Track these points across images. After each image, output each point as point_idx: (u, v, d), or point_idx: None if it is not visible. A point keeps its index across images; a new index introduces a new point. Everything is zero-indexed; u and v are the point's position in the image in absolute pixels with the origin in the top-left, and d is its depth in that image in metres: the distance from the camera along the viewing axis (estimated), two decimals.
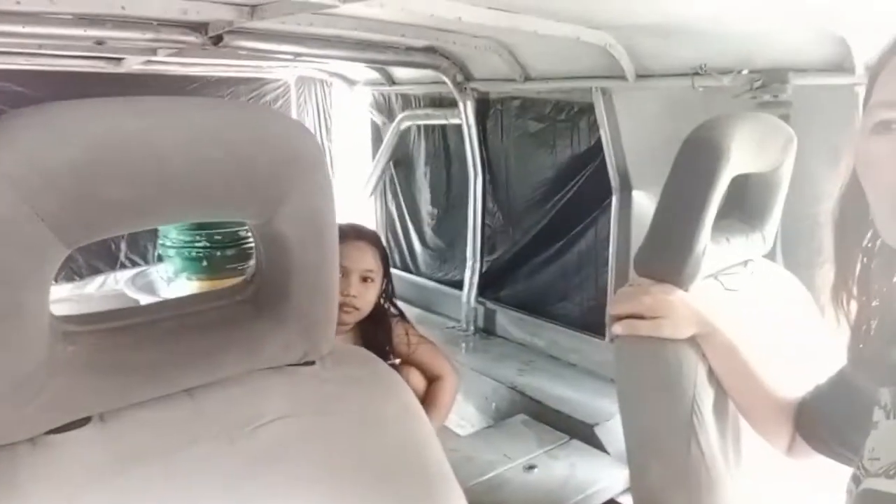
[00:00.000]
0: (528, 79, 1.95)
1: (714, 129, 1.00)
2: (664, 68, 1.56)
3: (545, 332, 2.18)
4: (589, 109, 1.86)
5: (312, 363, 0.67)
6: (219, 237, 2.47)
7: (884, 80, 0.62)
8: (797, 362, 1.05)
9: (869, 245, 0.70)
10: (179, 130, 0.49)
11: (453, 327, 2.49)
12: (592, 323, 2.02)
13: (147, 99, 0.50)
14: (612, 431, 1.68)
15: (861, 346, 0.71)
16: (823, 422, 0.86)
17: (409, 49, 2.03)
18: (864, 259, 0.70)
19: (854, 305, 0.71)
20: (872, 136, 0.62)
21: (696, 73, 1.48)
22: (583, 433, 1.68)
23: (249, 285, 0.65)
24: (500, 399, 1.94)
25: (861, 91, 1.24)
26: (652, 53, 1.55)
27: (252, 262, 2.50)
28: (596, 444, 1.65)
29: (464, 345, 2.35)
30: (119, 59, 2.14)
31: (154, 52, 1.83)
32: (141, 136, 0.47)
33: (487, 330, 2.42)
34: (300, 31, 1.72)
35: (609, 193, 1.88)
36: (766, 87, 1.35)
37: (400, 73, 2.45)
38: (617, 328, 0.98)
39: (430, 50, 2.06)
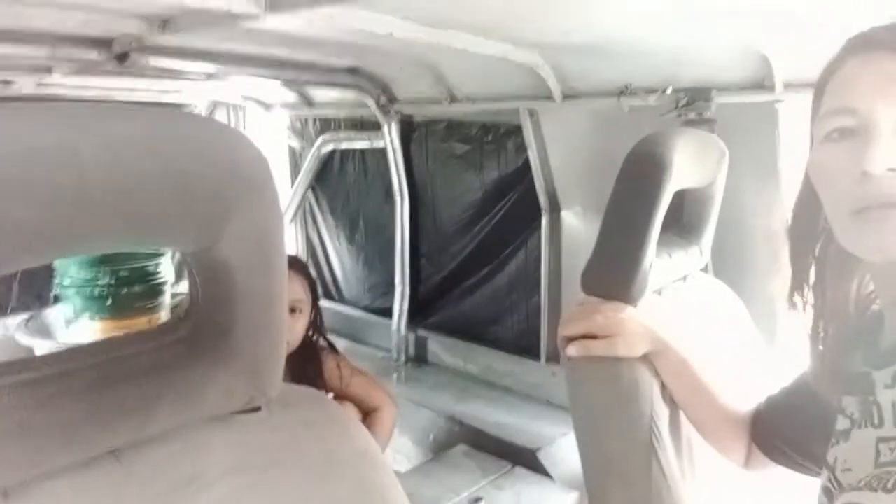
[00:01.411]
0: (454, 100, 1.93)
1: (656, 144, 1.00)
2: (591, 88, 1.57)
3: (479, 358, 2.13)
4: (516, 130, 1.86)
5: (258, 409, 0.59)
6: (125, 273, 2.28)
7: (832, 90, 0.63)
8: (737, 374, 1.06)
9: (822, 252, 0.70)
10: (102, 140, 0.41)
11: (384, 357, 2.40)
12: (526, 345, 2.00)
13: (63, 105, 0.42)
14: (555, 455, 1.65)
15: (820, 354, 0.71)
16: (781, 432, 0.86)
17: (332, 69, 1.96)
18: (819, 266, 0.70)
19: (810, 312, 0.71)
20: (825, 145, 0.63)
21: (623, 93, 1.51)
22: (526, 459, 1.64)
23: (183, 323, 0.56)
24: (438, 430, 1.88)
25: (780, 107, 1.31)
26: (579, 73, 1.56)
27: (161, 299, 2.33)
28: (540, 469, 1.62)
29: (396, 375, 2.27)
30: (7, 82, 1.94)
31: (49, 70, 1.67)
32: (55, 147, 0.39)
33: (419, 358, 2.35)
34: (215, 48, 1.62)
35: (538, 214, 1.88)
36: (691, 105, 1.39)
37: (319, 95, 2.38)
38: (571, 350, 0.95)
39: (353, 71, 2.00)
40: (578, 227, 1.82)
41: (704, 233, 1.19)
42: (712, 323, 1.18)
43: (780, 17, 1.09)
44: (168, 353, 0.54)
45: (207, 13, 1.09)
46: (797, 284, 0.72)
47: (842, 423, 0.70)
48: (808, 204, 0.70)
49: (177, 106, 2.72)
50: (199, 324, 0.54)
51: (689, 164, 1.03)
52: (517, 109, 1.76)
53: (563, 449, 1.66)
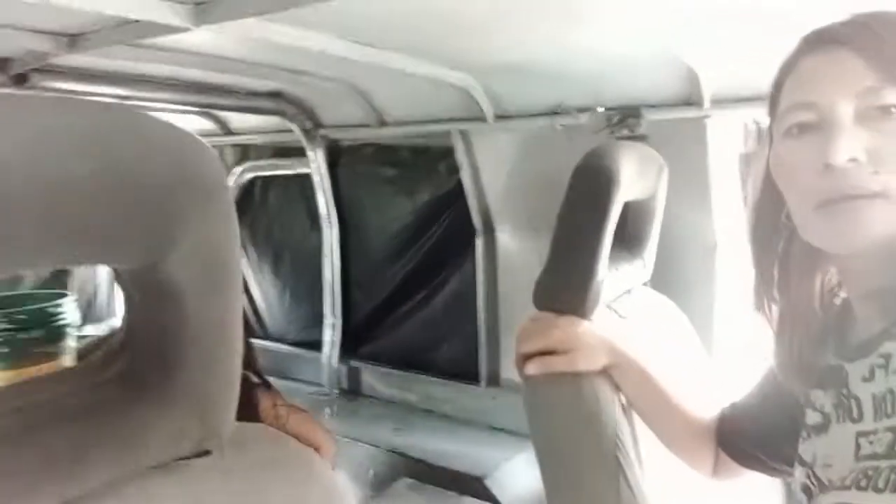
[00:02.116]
0: (383, 124, 1.89)
1: (603, 158, 1.00)
2: (523, 108, 1.58)
3: (416, 386, 2.07)
4: (448, 152, 1.84)
5: (208, 452, 0.51)
6: (22, 316, 2.06)
7: (791, 86, 0.64)
8: (688, 386, 1.06)
9: (785, 250, 0.71)
10: (25, 135, 0.34)
11: (314, 392, 2.29)
12: (465, 370, 1.96)
13: None
14: (503, 481, 1.60)
15: (788, 350, 0.71)
16: (749, 436, 0.85)
17: (253, 94, 1.88)
18: (782, 263, 0.71)
19: (776, 310, 0.72)
20: (786, 141, 0.64)
21: (555, 113, 1.52)
22: (473, 488, 1.58)
23: (116, 359, 0.48)
24: (378, 464, 1.79)
25: (708, 123, 1.35)
26: (511, 94, 1.57)
27: (64, 343, 2.13)
28: (488, 496, 1.57)
29: (328, 410, 2.17)
30: None
31: None
32: None
33: (353, 391, 2.25)
34: (124, 69, 1.51)
35: (472, 236, 1.86)
36: (622, 122, 1.41)
37: (237, 121, 2.28)
38: (530, 368, 0.92)
39: (276, 95, 1.93)
40: (514, 247, 1.81)
41: (647, 246, 1.20)
42: (660, 336, 1.18)
43: (706, 31, 1.13)
44: (101, 393, 0.46)
45: (126, 27, 1.00)
46: (763, 282, 0.72)
47: (812, 418, 0.70)
48: (769, 203, 0.71)
49: None
50: (137, 357, 0.47)
51: (634, 177, 1.04)
52: (449, 131, 1.74)
53: (510, 474, 1.62)
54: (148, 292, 0.44)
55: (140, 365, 0.47)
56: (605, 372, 0.93)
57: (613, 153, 1.00)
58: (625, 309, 1.12)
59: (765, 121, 1.27)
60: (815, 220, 0.61)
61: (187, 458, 0.49)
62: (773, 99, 0.67)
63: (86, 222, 0.37)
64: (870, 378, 0.59)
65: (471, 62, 1.47)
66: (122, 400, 0.46)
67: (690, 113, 1.33)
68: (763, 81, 1.24)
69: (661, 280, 1.28)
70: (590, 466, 0.89)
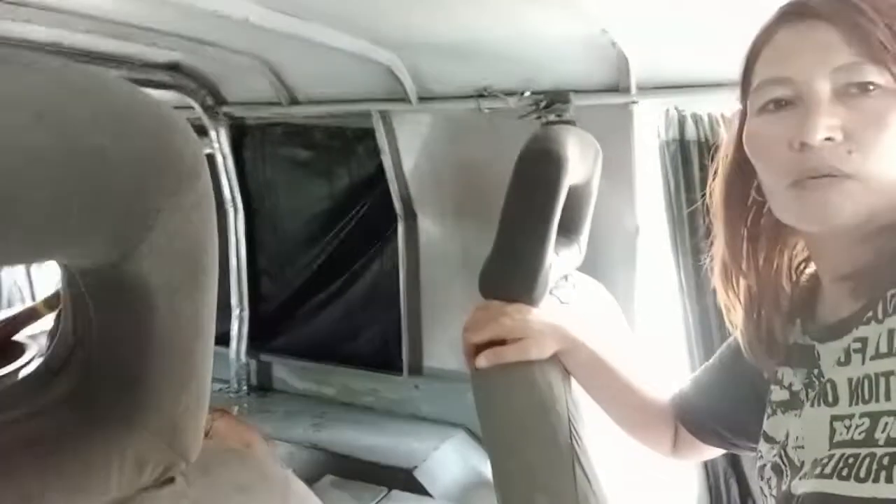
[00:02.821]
0: (295, 102, 1.78)
1: (549, 141, 0.98)
2: (448, 90, 1.53)
3: (334, 378, 1.99)
4: (366, 134, 1.76)
5: (173, 480, 0.44)
6: None
7: (766, 60, 0.63)
8: (633, 365, 1.07)
9: (753, 225, 0.71)
10: None
11: (221, 390, 2.14)
12: (387, 360, 1.90)
13: None
14: (432, 471, 1.58)
15: (756, 325, 0.71)
16: (711, 412, 0.85)
17: (148, 65, 1.71)
18: (750, 238, 0.71)
19: (744, 286, 0.72)
20: (761, 116, 0.63)
21: (481, 95, 1.49)
22: (402, 480, 1.54)
23: (63, 376, 0.39)
24: (299, 463, 1.70)
25: (635, 108, 1.37)
26: (436, 75, 1.52)
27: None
28: (418, 489, 1.53)
29: (237, 408, 2.04)
30: None
31: None
32: None
33: (263, 386, 2.13)
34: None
35: (393, 222, 1.80)
36: (551, 107, 1.41)
37: None
38: (482, 360, 0.89)
39: (173, 67, 1.76)
40: (436, 233, 1.78)
41: (582, 231, 1.20)
42: (599, 319, 1.19)
43: (638, 14, 1.14)
44: (45, 419, 0.37)
45: None
46: (731, 257, 0.72)
47: (779, 394, 0.71)
48: (738, 177, 0.71)
49: None
50: (91, 373, 0.39)
51: (576, 161, 1.03)
52: (369, 112, 1.67)
53: (439, 463, 1.60)
54: (108, 294, 0.36)
55: (95, 382, 0.38)
56: (555, 358, 0.91)
57: (559, 137, 0.99)
58: (565, 294, 1.11)
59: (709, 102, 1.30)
60: (788, 198, 0.61)
61: (149, 488, 0.42)
62: (747, 71, 0.66)
63: (39, 211, 0.29)
64: (846, 362, 0.60)
65: (395, 39, 1.40)
66: (72, 425, 0.38)
67: (618, 99, 1.34)
68: (688, 69, 1.29)
69: (586, 264, 1.29)
70: (546, 458, 0.87)
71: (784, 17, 0.62)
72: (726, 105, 1.36)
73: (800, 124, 0.58)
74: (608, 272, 1.46)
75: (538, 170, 0.95)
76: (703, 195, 1.39)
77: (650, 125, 1.40)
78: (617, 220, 1.48)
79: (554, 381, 0.91)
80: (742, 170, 0.70)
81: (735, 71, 1.21)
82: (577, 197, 1.17)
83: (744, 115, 0.69)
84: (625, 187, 1.44)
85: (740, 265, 0.71)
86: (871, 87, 0.57)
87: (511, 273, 0.96)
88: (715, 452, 0.91)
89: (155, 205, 0.34)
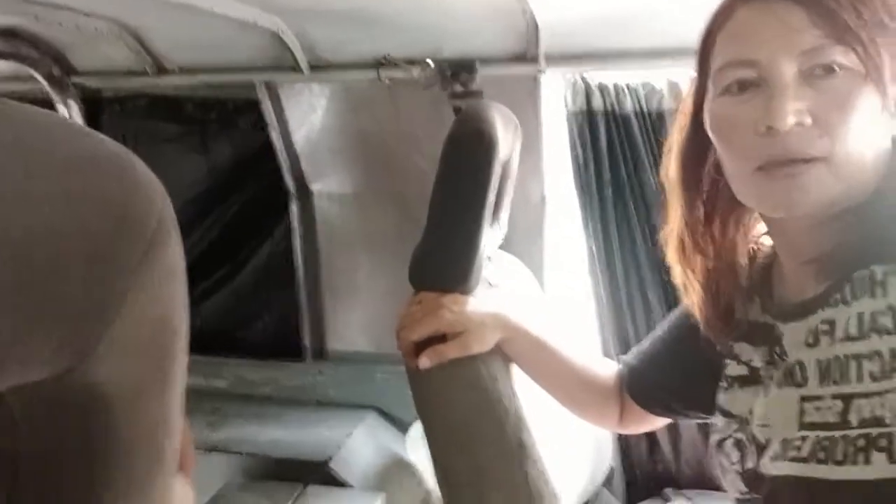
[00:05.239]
0: (162, 72, 1.57)
1: (479, 121, 0.92)
2: (344, 59, 1.42)
3: (227, 370, 1.84)
4: (250, 107, 1.60)
5: None
6: None
7: (727, 39, 0.62)
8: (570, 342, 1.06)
9: (710, 201, 0.71)
10: None
11: None
12: (286, 346, 1.79)
13: None
14: (348, 460, 1.51)
15: (714, 301, 0.72)
16: (661, 383, 0.86)
17: None
18: (708, 215, 0.71)
19: (701, 262, 0.72)
20: (725, 98, 0.62)
21: (381, 64, 1.39)
22: (317, 474, 1.47)
23: None
24: (196, 469, 1.56)
25: (542, 78, 1.34)
26: (329, 42, 1.39)
27: None
28: (335, 480, 1.46)
29: None
30: None
31: None
32: None
33: None
34: None
35: (286, 201, 1.67)
36: (456, 77, 1.34)
37: None
38: (424, 361, 0.84)
39: (9, 34, 1.48)
40: (334, 211, 1.67)
41: (503, 209, 1.17)
42: (528, 300, 1.17)
43: None
44: None
45: None
46: (688, 233, 0.72)
47: (736, 370, 0.72)
48: (694, 155, 0.70)
49: None
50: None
51: (503, 139, 0.98)
52: (252, 83, 1.51)
53: (354, 451, 1.54)
54: (49, 408, 0.26)
55: None
56: (496, 348, 0.88)
57: (486, 116, 0.93)
58: (493, 276, 1.08)
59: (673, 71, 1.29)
60: (754, 183, 0.61)
61: None
62: (705, 49, 0.65)
63: None
64: (814, 344, 0.61)
65: (281, 2, 1.26)
66: None
67: (526, 69, 1.31)
68: (596, 38, 1.28)
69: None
70: (495, 455, 0.84)
71: None
72: (633, 76, 1.38)
73: (766, 107, 0.57)
74: (516, 244, 1.45)
75: (470, 152, 0.90)
76: (611, 165, 1.42)
77: (557, 95, 1.38)
78: (524, 192, 1.46)
79: (499, 373, 0.88)
80: (698, 147, 0.69)
81: (643, 40, 1.22)
82: (500, 175, 1.13)
83: (699, 91, 0.68)
84: (532, 158, 1.42)
85: (698, 242, 0.71)
86: (837, 69, 0.56)
87: (445, 262, 0.90)
88: (662, 422, 0.93)
89: (115, 289, 0.24)
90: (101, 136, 0.26)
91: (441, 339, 0.85)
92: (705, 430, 1.44)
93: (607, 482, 1.51)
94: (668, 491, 1.44)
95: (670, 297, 1.44)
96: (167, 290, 0.28)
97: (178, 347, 0.30)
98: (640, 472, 1.51)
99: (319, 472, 1.47)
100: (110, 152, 0.25)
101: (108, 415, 0.27)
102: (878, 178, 0.60)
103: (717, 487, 1.43)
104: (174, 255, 0.28)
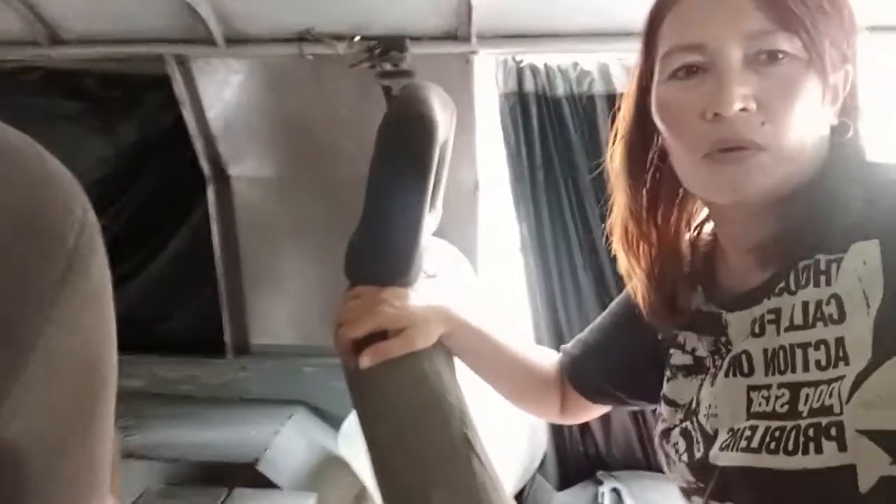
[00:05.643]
0: (57, 42, 1.42)
1: (419, 102, 0.87)
2: (263, 32, 1.32)
3: (141, 369, 1.71)
4: (158, 83, 1.47)
5: None
6: None
7: (674, 23, 0.61)
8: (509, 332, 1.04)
9: (653, 187, 0.70)
10: None
11: None
12: (206, 342, 1.68)
13: None
14: (275, 461, 1.44)
15: (658, 290, 0.71)
16: (604, 374, 0.84)
17: None
18: (651, 202, 0.70)
19: (645, 249, 0.71)
20: (672, 83, 0.61)
21: (303, 39, 1.31)
22: (244, 476, 1.39)
23: None
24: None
25: (475, 59, 1.30)
26: (247, 14, 1.29)
27: None
28: (263, 482, 1.39)
29: None
30: None
31: None
32: None
33: None
34: None
35: (201, 184, 1.55)
36: (385, 55, 1.28)
37: None
38: (366, 360, 0.78)
39: None
40: (255, 196, 1.57)
41: (438, 194, 1.12)
42: (466, 289, 1.14)
43: None
44: None
45: None
46: (632, 220, 0.70)
47: (680, 359, 0.71)
48: (638, 140, 0.69)
49: None
50: None
51: (442, 121, 0.94)
52: (161, 56, 1.38)
53: (283, 450, 1.47)
54: None
55: None
56: (439, 342, 0.84)
57: (425, 98, 0.88)
58: (430, 266, 1.04)
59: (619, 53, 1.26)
60: (700, 170, 0.60)
61: None
62: (651, 32, 0.63)
63: None
64: (760, 333, 0.60)
65: None
66: None
67: (458, 48, 1.26)
68: (528, 18, 1.25)
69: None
70: (441, 452, 0.81)
71: None
72: (564, 58, 1.36)
73: (713, 93, 0.57)
74: (449, 230, 1.42)
75: (411, 135, 0.84)
76: (542, 148, 1.40)
77: (488, 76, 1.34)
78: (457, 176, 1.42)
79: (442, 369, 0.84)
80: (643, 133, 0.68)
81: (575, 22, 1.20)
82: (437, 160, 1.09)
83: (643, 76, 0.66)
84: (465, 142, 1.39)
85: (642, 229, 0.70)
86: (781, 55, 0.56)
87: (385, 253, 0.85)
88: (603, 410, 0.92)
89: (27, 328, 0.18)
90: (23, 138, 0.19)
91: (382, 335, 0.80)
92: (635, 413, 1.47)
93: (541, 467, 1.51)
94: (600, 474, 1.46)
95: (600, 280, 1.45)
96: (92, 317, 0.22)
97: (105, 381, 0.24)
98: (573, 456, 1.52)
99: (246, 475, 1.39)
100: (9, 144, 0.19)
101: (22, 474, 0.21)
102: (817, 165, 0.60)
103: (647, 468, 1.48)
104: (98, 272, 0.22)
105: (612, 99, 1.33)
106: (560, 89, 1.34)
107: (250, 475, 1.38)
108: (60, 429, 0.22)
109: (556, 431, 1.53)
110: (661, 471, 0.78)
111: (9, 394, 0.18)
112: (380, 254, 0.85)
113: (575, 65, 1.34)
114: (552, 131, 1.37)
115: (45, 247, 0.20)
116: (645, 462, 1.45)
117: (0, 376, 0.18)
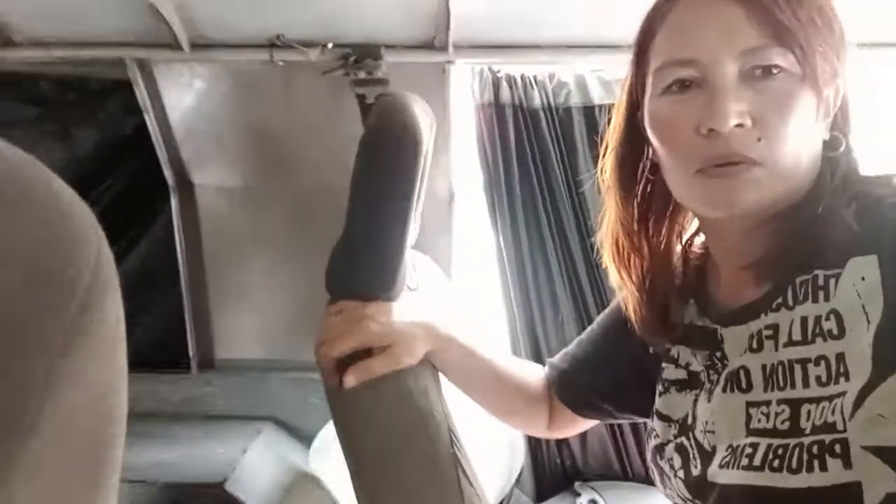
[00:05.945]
0: (8, 43, 1.34)
1: (402, 112, 0.85)
2: (231, 37, 1.27)
3: None
4: (119, 88, 1.41)
5: None
6: None
7: (667, 37, 0.61)
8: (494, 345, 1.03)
9: (644, 200, 0.70)
10: None
11: None
12: (167, 356, 1.62)
13: None
14: (244, 480, 1.38)
15: (650, 304, 0.71)
16: (594, 388, 0.84)
17: None
18: (642, 215, 0.70)
19: (636, 263, 0.71)
20: (665, 98, 0.61)
21: (274, 45, 1.27)
22: (213, 497, 1.33)
23: None
24: None
25: (451, 69, 1.28)
26: (215, 18, 1.24)
27: None
28: (233, 503, 1.34)
29: None
30: None
31: None
32: None
33: None
34: None
35: (164, 194, 1.49)
36: (360, 63, 1.25)
37: None
38: (351, 380, 0.76)
39: None
40: (222, 206, 1.52)
41: (418, 206, 1.10)
42: (448, 303, 1.11)
43: None
44: None
45: None
46: (624, 234, 0.70)
47: (673, 373, 0.71)
48: (629, 153, 0.69)
49: None
50: None
51: (425, 132, 0.92)
52: (121, 60, 1.32)
53: (252, 469, 1.41)
54: None
55: None
56: (424, 359, 0.82)
57: (407, 108, 0.86)
58: (411, 279, 1.01)
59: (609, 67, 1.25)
60: (694, 185, 0.60)
61: None
62: (642, 46, 0.63)
63: None
64: (758, 349, 0.60)
65: None
66: None
67: (434, 57, 1.24)
68: (505, 28, 1.24)
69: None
70: (429, 472, 0.79)
71: None
72: (541, 68, 1.36)
73: (707, 108, 0.57)
74: (423, 241, 1.40)
75: (395, 146, 0.82)
76: (518, 160, 1.39)
77: (464, 86, 1.33)
78: (432, 186, 1.41)
79: (429, 386, 0.82)
80: (634, 147, 0.68)
81: (553, 33, 1.19)
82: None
83: (633, 89, 0.66)
84: (440, 152, 1.37)
85: (633, 242, 0.70)
86: (776, 70, 0.56)
87: (370, 267, 0.82)
88: (591, 424, 0.92)
89: (32, 386, 0.16)
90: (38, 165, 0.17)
91: (366, 353, 0.77)
92: (611, 424, 1.48)
93: (517, 481, 1.50)
94: (578, 485, 1.45)
95: (577, 291, 1.45)
96: (106, 366, 0.19)
97: (116, 434, 0.21)
98: (550, 468, 1.51)
99: (214, 496, 1.33)
100: (16, 167, 0.16)
101: None
102: (811, 180, 0.61)
103: (623, 478, 1.48)
104: (113, 315, 0.19)
105: (588, 111, 1.33)
106: (536, 100, 1.33)
107: (218, 496, 1.33)
108: (65, 495, 0.19)
109: (533, 443, 1.52)
110: (637, 481, 0.78)
111: (13, 465, 0.16)
112: (364, 267, 0.82)
113: (552, 76, 1.34)
114: (528, 142, 1.37)
115: (56, 289, 0.18)
116: (621, 472, 1.45)
117: (14, 431, 0.15)
